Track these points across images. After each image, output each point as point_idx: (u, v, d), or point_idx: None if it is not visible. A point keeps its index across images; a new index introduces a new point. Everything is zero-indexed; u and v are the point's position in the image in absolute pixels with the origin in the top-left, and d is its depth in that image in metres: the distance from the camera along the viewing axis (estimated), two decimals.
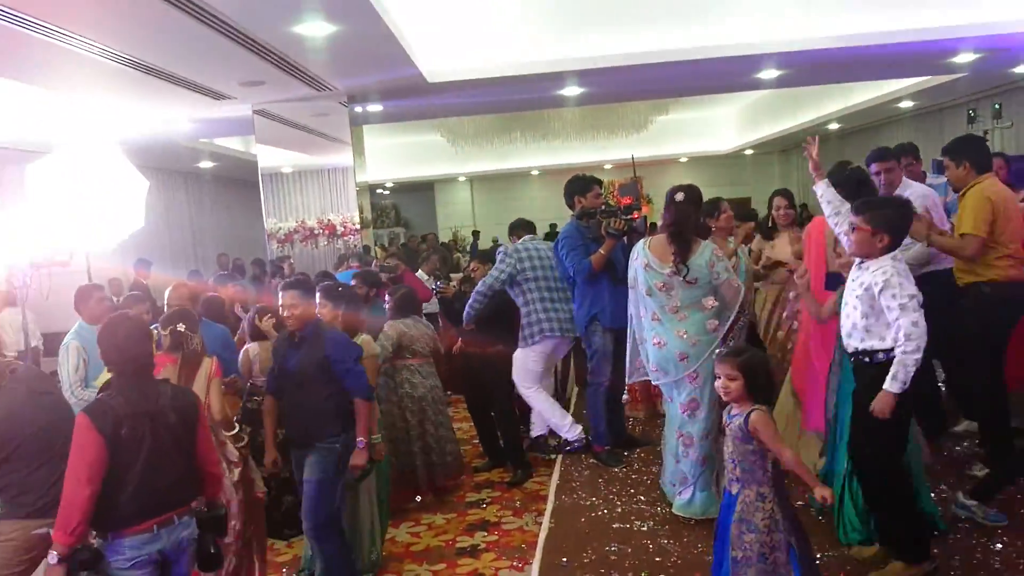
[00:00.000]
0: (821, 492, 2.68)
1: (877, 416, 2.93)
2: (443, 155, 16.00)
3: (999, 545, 3.44)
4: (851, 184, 3.72)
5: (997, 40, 7.15)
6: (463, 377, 5.56)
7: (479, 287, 4.78)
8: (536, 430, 5.26)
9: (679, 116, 15.12)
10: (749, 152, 17.56)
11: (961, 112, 11.26)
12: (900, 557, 3.14)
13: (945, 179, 4.50)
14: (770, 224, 5.16)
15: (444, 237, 16.95)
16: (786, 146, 16.78)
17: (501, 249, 4.81)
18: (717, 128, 16.22)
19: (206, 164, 12.50)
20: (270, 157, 8.01)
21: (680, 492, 4.02)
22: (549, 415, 4.80)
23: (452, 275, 9.24)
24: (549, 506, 4.37)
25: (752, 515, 2.73)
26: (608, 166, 16.38)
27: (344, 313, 3.91)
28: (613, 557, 3.69)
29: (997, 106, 10.71)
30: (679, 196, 4.06)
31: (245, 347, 4.41)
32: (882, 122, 13.43)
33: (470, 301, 4.85)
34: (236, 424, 3.65)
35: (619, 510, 4.24)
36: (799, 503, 3.68)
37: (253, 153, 8.44)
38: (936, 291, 4.09)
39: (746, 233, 4.64)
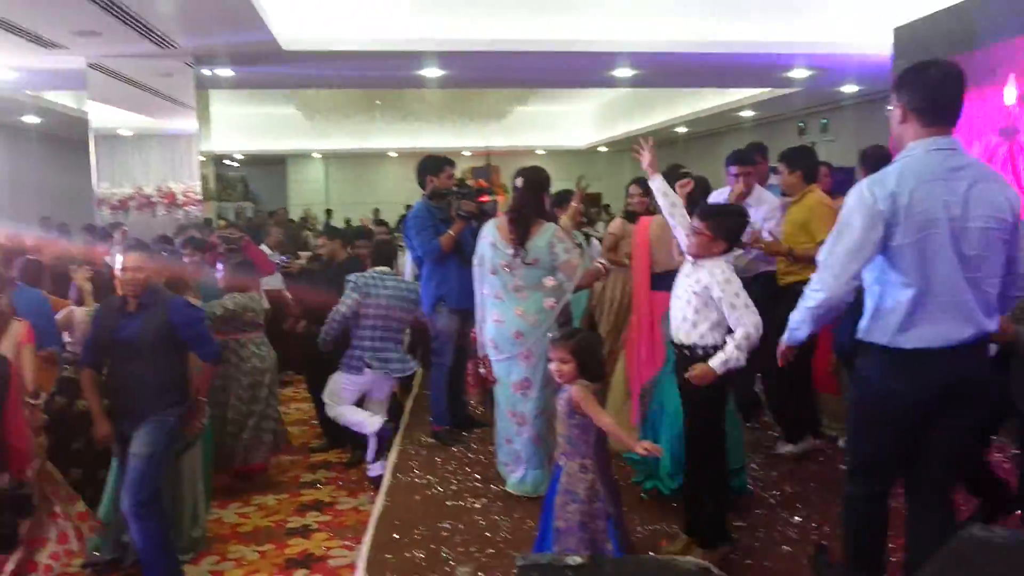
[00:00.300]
0: (642, 445, 2.75)
1: (694, 382, 3.08)
2: (297, 129, 15.49)
3: (798, 518, 3.76)
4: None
5: (827, 60, 7.77)
6: (304, 356, 5.43)
7: (334, 314, 4.57)
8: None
9: (539, 108, 15.39)
10: (604, 149, 18.15)
11: (793, 125, 12.15)
12: (702, 544, 3.30)
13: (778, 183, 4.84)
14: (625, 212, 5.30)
15: (295, 215, 16.44)
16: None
17: (351, 280, 4.61)
18: (575, 123, 16.64)
19: (31, 119, 11.48)
20: (105, 116, 7.44)
21: (513, 471, 4.11)
22: (349, 416, 4.63)
23: (301, 253, 8.98)
24: (384, 485, 4.35)
25: (575, 486, 2.85)
26: (467, 152, 16.45)
27: (170, 274, 3.73)
28: (445, 533, 3.72)
29: (824, 121, 11.63)
30: (518, 181, 4.14)
31: (69, 308, 4.12)
32: (724, 129, 14.26)
33: (325, 327, 4.62)
34: (45, 394, 3.40)
35: (454, 488, 4.28)
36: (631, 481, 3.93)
37: (85, 110, 7.83)
38: (760, 292, 4.43)
39: (573, 214, 4.78)
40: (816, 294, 2.58)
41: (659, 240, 4.21)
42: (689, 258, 3.28)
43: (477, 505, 4.04)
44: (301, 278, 6.51)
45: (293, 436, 5.38)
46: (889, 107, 2.60)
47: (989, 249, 2.42)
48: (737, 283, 3.10)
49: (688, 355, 3.20)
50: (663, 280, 4.02)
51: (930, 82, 2.46)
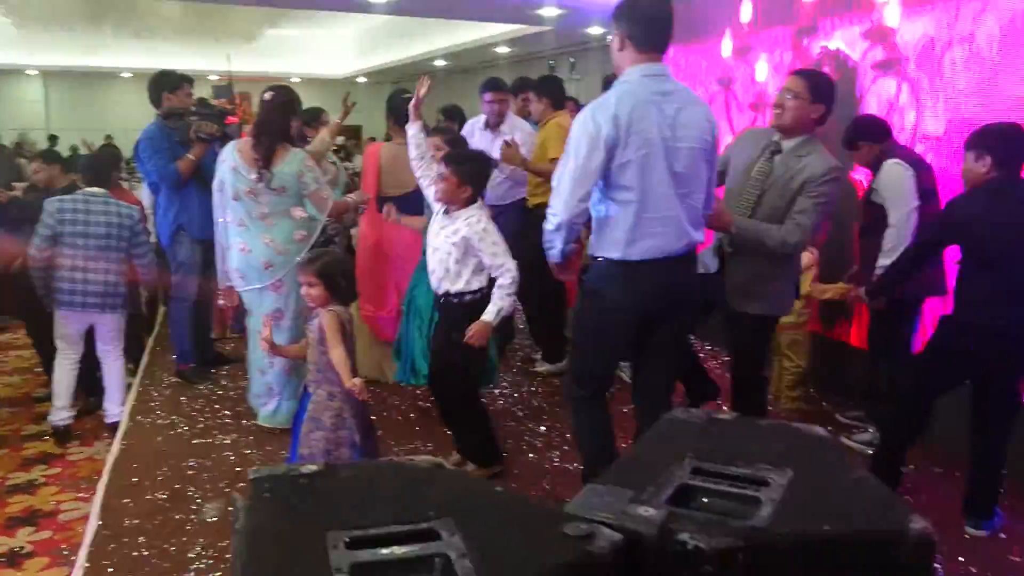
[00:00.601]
0: (351, 383, 2.74)
1: (472, 344, 3.14)
2: (6, 40, 13.43)
3: (543, 428, 4.04)
4: None
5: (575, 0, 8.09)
6: (20, 300, 4.81)
7: (29, 250, 3.93)
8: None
9: (293, 32, 14.60)
10: (363, 79, 17.67)
11: (544, 64, 12.59)
12: (475, 462, 3.47)
13: None
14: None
15: (8, 140, 14.37)
16: (398, 78, 17.22)
17: (45, 206, 3.96)
18: (332, 50, 15.98)
19: None
20: None
21: (265, 403, 3.99)
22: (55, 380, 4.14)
23: (16, 184, 7.87)
24: (121, 429, 4.03)
25: (321, 414, 2.83)
26: (213, 77, 15.23)
27: None
28: (191, 472, 3.54)
29: (573, 60, 12.16)
30: (267, 96, 3.91)
31: None
32: (481, 66, 14.44)
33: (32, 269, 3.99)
34: None
35: (201, 426, 4.08)
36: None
37: None
38: (514, 217, 4.63)
39: (334, 129, 4.68)
40: (553, 217, 2.72)
41: (390, 166, 4.22)
42: (441, 208, 3.29)
43: (227, 441, 3.88)
44: (10, 211, 5.71)
45: (13, 386, 4.83)
46: (610, 37, 2.77)
47: (695, 168, 2.67)
48: (493, 231, 3.18)
49: (456, 303, 3.24)
50: (400, 204, 4.07)
51: (644, 12, 2.64)
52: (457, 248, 3.18)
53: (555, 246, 2.81)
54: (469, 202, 3.22)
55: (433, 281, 3.34)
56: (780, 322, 4.01)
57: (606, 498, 1.36)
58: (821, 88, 3.02)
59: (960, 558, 2.90)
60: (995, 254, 2.86)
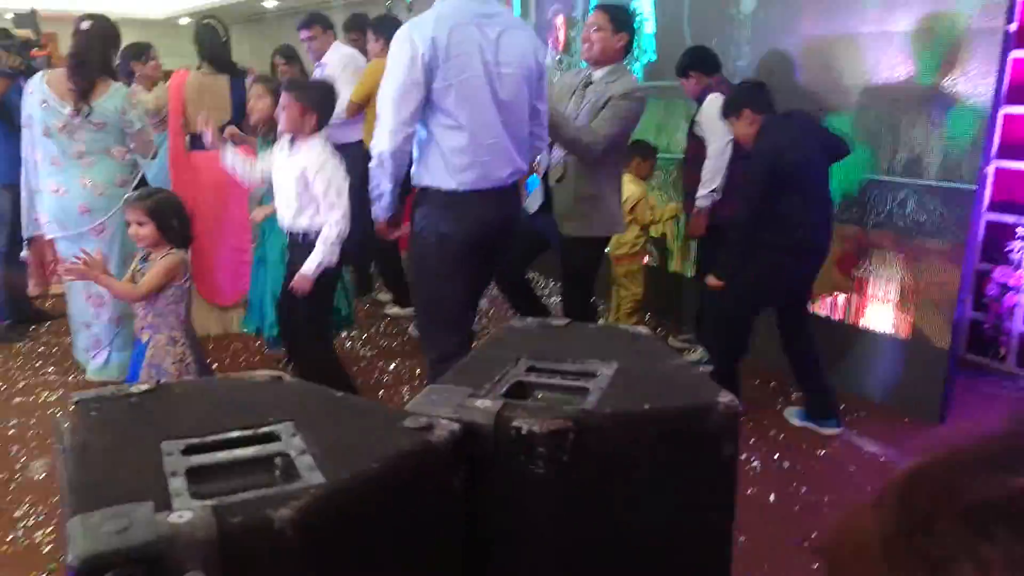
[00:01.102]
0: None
1: (298, 295, 3.02)
2: None
3: (392, 365, 4.08)
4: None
5: None
6: None
7: None
8: None
9: None
10: (186, 21, 16.49)
11: (382, 3, 12.27)
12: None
13: None
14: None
15: None
16: (225, 20, 16.20)
17: None
18: None
19: None
20: None
21: (95, 356, 3.76)
22: None
23: None
24: None
25: (162, 360, 2.73)
26: (8, 15, 13.76)
27: None
28: (12, 432, 3.31)
29: (409, 0, 11.90)
30: (85, 24, 3.59)
31: None
32: (314, 5, 13.85)
33: None
34: None
35: (22, 384, 3.80)
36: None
37: None
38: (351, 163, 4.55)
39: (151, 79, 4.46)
40: (377, 149, 2.60)
41: (197, 97, 4.04)
42: (287, 139, 3.16)
43: (52, 398, 3.64)
44: None
45: None
46: None
47: (519, 95, 2.64)
48: (332, 167, 3.03)
49: (302, 243, 3.11)
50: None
51: None
52: (298, 181, 3.05)
53: (382, 188, 2.66)
54: (314, 130, 3.09)
55: (279, 216, 3.21)
56: (617, 254, 4.23)
57: (445, 396, 1.41)
58: (621, 19, 3.21)
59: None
60: (801, 177, 3.12)
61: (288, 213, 3.15)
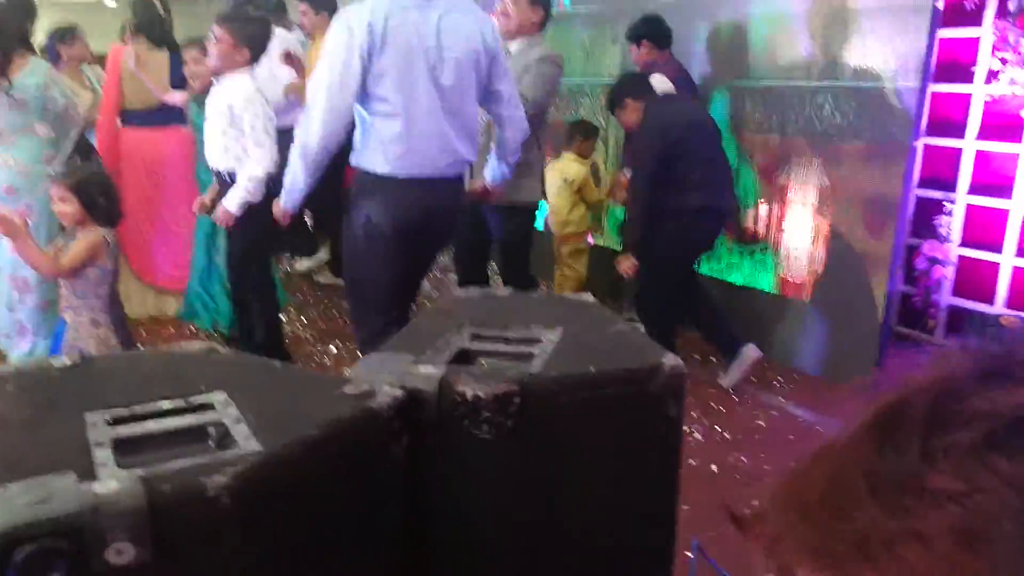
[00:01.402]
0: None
1: (219, 224, 2.98)
2: None
3: (334, 347, 4.01)
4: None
5: None
6: None
7: None
8: None
9: None
10: (113, 5, 15.90)
11: None
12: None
13: None
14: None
15: None
16: None
17: None
18: None
19: None
20: None
21: (18, 344, 3.60)
22: None
23: None
24: None
25: (85, 342, 2.63)
26: None
27: None
28: None
29: None
30: None
31: None
32: None
33: None
34: None
35: None
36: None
37: None
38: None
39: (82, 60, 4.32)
40: (300, 138, 2.50)
41: (135, 74, 3.92)
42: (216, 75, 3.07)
43: None
44: None
45: None
46: None
47: (464, 80, 2.55)
48: (259, 105, 2.93)
49: (228, 182, 3.03)
50: (144, 120, 3.80)
51: None
52: (223, 117, 2.93)
53: (297, 181, 2.55)
54: (244, 65, 2.99)
55: (207, 154, 3.10)
56: (564, 233, 4.24)
57: (387, 362, 1.37)
58: None
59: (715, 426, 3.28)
60: (690, 143, 3.28)
61: (214, 150, 3.04)
